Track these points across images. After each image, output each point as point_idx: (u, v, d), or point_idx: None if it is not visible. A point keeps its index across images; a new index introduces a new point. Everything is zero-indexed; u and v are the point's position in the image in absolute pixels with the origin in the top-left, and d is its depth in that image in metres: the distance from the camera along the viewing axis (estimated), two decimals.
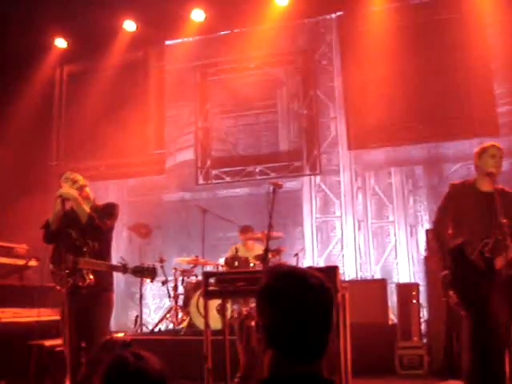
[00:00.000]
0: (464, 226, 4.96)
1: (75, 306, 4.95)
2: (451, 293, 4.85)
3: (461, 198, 5.07)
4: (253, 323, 5.76)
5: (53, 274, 5.32)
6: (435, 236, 5.24)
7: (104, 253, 5.43)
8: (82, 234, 5.27)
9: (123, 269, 5.09)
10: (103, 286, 5.28)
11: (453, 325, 5.87)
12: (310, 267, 6.20)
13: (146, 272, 5.18)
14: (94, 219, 5.26)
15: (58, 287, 5.25)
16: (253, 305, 7.85)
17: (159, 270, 9.24)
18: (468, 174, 8.86)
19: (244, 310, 7.88)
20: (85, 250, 5.21)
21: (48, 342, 6.42)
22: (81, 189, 5.45)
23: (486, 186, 4.99)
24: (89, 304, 5.11)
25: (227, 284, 5.11)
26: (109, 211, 5.52)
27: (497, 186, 4.95)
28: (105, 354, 2.27)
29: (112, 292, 5.43)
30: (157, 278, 9.62)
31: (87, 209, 5.32)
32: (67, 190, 5.27)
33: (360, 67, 10.03)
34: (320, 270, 5.34)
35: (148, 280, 5.31)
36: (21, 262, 7.66)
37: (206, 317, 5.22)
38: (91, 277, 5.10)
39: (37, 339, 6.44)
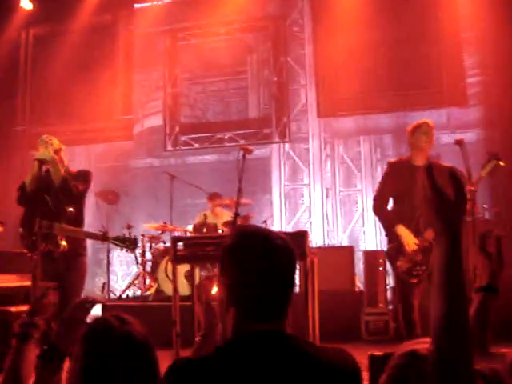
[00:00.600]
0: (403, 201, 5.22)
1: (49, 271, 4.96)
2: (398, 263, 5.15)
3: (398, 174, 5.33)
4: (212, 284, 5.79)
5: (22, 238, 5.28)
6: (375, 213, 5.60)
7: (79, 218, 5.40)
8: (57, 199, 5.22)
9: (103, 237, 5.05)
10: (77, 250, 5.28)
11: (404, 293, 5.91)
12: (279, 232, 6.22)
13: (127, 242, 5.16)
14: (67, 182, 5.22)
15: (27, 252, 5.21)
16: None
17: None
18: (436, 144, 8.89)
19: (212, 276, 7.91)
20: (60, 215, 5.16)
21: (14, 308, 6.34)
22: (56, 152, 5.39)
23: (419, 161, 5.24)
24: (63, 269, 5.14)
25: (196, 249, 5.10)
26: (82, 178, 5.48)
27: (431, 160, 5.25)
28: (80, 313, 2.21)
29: (86, 256, 5.45)
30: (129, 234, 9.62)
31: (62, 172, 5.27)
32: (44, 152, 5.20)
33: (331, 35, 9.97)
34: (289, 234, 5.38)
35: (125, 250, 5.26)
36: None
37: (174, 282, 5.21)
38: (64, 243, 5.06)
39: (3, 305, 6.36)
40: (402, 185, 5.27)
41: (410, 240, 5.12)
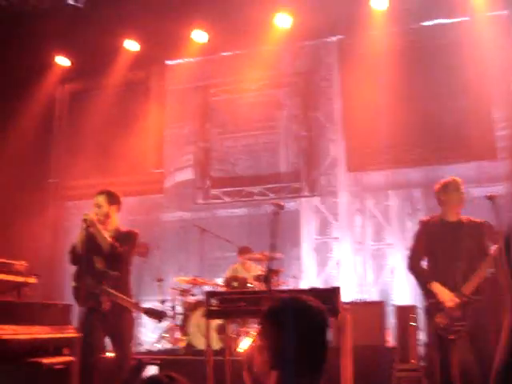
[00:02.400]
0: (438, 257, 5.32)
1: (98, 325, 5.34)
2: (437, 320, 5.18)
3: (430, 232, 5.44)
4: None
5: (73, 291, 5.59)
6: (410, 272, 5.63)
7: (123, 281, 5.63)
8: (104, 262, 5.42)
9: (136, 307, 5.29)
10: (125, 305, 5.43)
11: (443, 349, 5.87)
12: (311, 288, 6.22)
13: (156, 315, 5.38)
14: (115, 248, 5.42)
15: (78, 303, 5.44)
16: (251, 325, 7.87)
17: (157, 289, 9.32)
18: (466, 197, 8.89)
19: (242, 331, 7.90)
20: (106, 277, 5.37)
21: (46, 360, 6.37)
22: (105, 214, 5.68)
23: (452, 217, 5.39)
24: (112, 323, 5.40)
25: (229, 304, 5.12)
26: (130, 239, 5.67)
27: (463, 216, 5.40)
28: (135, 376, 2.32)
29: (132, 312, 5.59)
30: (155, 297, 9.67)
31: (108, 237, 5.50)
32: (89, 216, 5.47)
33: (359, 90, 10.10)
34: (321, 291, 5.38)
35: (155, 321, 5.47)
36: (20, 279, 7.61)
37: (207, 337, 5.23)
38: (108, 303, 5.26)
39: (35, 357, 6.40)
40: (435, 242, 5.36)
41: (446, 296, 5.15)
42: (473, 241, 5.24)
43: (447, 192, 5.44)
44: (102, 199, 5.72)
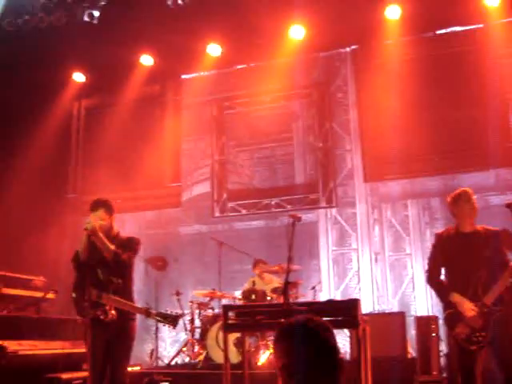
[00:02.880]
0: (455, 268, 5.32)
1: (100, 336, 5.16)
2: (457, 330, 5.14)
3: (446, 244, 5.43)
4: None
5: (75, 303, 5.40)
6: (429, 285, 5.66)
7: (127, 289, 5.54)
8: (107, 270, 5.36)
9: (146, 313, 5.18)
10: (126, 316, 5.36)
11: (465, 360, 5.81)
12: (329, 300, 6.17)
13: (168, 319, 5.25)
14: (119, 255, 5.36)
15: (79, 317, 5.34)
16: (270, 339, 7.82)
17: (175, 303, 9.31)
18: (485, 205, 8.83)
19: (261, 344, 7.86)
20: (109, 285, 5.31)
21: (65, 375, 6.39)
22: (109, 226, 5.59)
23: (467, 228, 5.36)
24: (113, 334, 5.27)
25: (247, 317, 5.09)
26: (132, 245, 5.61)
27: (478, 226, 5.37)
28: None
29: (135, 321, 5.52)
30: (173, 310, 9.65)
31: (110, 244, 5.39)
32: (91, 224, 5.34)
33: (375, 100, 10.09)
34: (340, 303, 5.34)
35: (167, 326, 5.32)
36: (38, 295, 7.67)
37: (225, 350, 5.19)
38: (113, 312, 5.18)
39: (54, 372, 6.42)
40: (452, 254, 5.36)
41: (466, 306, 5.12)
42: (491, 250, 5.19)
43: (458, 204, 5.41)
44: (102, 213, 5.56)
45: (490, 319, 5.06)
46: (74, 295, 5.45)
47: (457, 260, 5.30)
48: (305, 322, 2.21)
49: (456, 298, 5.19)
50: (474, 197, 5.43)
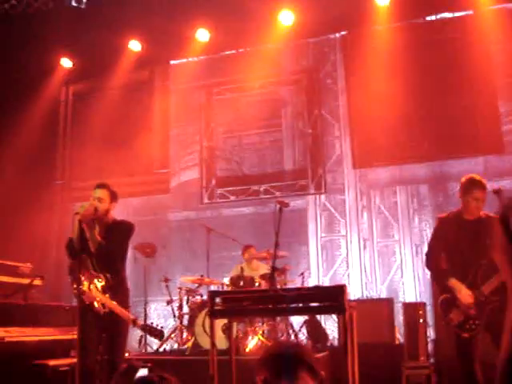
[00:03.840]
0: (455, 254, 5.28)
1: (93, 323, 5.23)
2: (451, 316, 5.21)
3: (448, 229, 5.40)
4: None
5: (72, 284, 5.39)
6: (428, 268, 5.69)
7: (120, 284, 5.49)
8: (99, 263, 5.32)
9: (133, 322, 5.14)
10: (121, 304, 5.31)
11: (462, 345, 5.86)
12: (316, 286, 6.18)
13: (154, 332, 5.25)
14: (102, 247, 5.30)
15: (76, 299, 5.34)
16: (258, 324, 7.83)
17: (164, 289, 9.30)
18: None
19: (249, 331, 7.86)
20: (100, 281, 5.27)
21: (52, 362, 6.38)
22: (105, 210, 5.51)
23: (470, 216, 5.31)
24: (107, 321, 5.25)
25: (234, 303, 5.08)
26: (123, 232, 5.55)
27: (482, 212, 5.27)
28: (125, 380, 2.28)
29: (128, 309, 5.47)
30: (161, 297, 9.65)
31: (97, 235, 5.35)
32: (83, 207, 5.29)
33: (364, 86, 10.06)
34: (327, 288, 5.33)
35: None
36: (25, 281, 7.62)
37: (212, 337, 5.18)
38: (101, 305, 5.17)
39: (42, 359, 6.40)
40: (452, 239, 5.34)
41: (464, 292, 5.14)
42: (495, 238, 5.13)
43: (466, 197, 5.29)
44: (105, 193, 5.49)
45: (486, 308, 5.07)
46: (70, 278, 5.42)
47: (458, 246, 5.27)
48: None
49: (454, 283, 5.18)
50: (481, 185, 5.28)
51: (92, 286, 5.27)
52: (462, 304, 5.13)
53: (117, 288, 5.42)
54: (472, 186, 5.25)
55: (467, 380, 5.01)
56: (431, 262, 5.50)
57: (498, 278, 4.98)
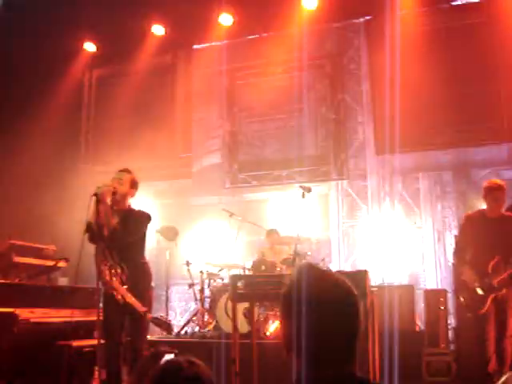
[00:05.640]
0: (477, 248, 5.94)
1: (115, 307, 5.27)
2: (461, 298, 6.05)
3: (473, 225, 6.11)
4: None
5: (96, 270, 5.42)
6: (454, 259, 6.54)
7: (137, 273, 5.47)
8: (117, 251, 5.33)
9: (143, 314, 5.16)
10: (140, 286, 5.35)
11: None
12: (338, 271, 6.18)
13: (162, 326, 5.30)
14: (115, 234, 5.29)
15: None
16: (278, 309, 7.86)
17: (186, 273, 9.37)
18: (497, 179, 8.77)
19: (270, 315, 7.91)
20: (118, 272, 5.29)
21: (76, 343, 6.46)
22: (124, 193, 5.52)
23: (494, 214, 5.99)
24: (129, 307, 5.29)
25: (255, 287, 5.11)
26: (140, 221, 5.54)
27: (505, 212, 6.09)
28: (152, 364, 2.29)
29: (149, 291, 5.50)
30: (183, 281, 9.72)
31: (112, 221, 5.33)
32: (102, 188, 5.26)
33: (388, 71, 9.97)
34: (349, 273, 5.35)
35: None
36: (50, 263, 7.71)
37: (234, 320, 5.23)
38: (122, 297, 5.21)
39: (65, 340, 6.49)
40: (476, 234, 6.00)
41: (472, 280, 5.87)
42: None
43: (488, 198, 5.99)
44: (127, 177, 5.50)
45: (489, 296, 5.77)
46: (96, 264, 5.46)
47: (478, 240, 5.92)
48: (317, 277, 1.87)
49: (465, 271, 5.94)
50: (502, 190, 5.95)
51: (113, 276, 5.29)
52: (469, 289, 5.87)
53: (136, 278, 5.41)
54: (491, 189, 5.96)
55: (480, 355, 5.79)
56: (456, 254, 6.27)
57: (508, 271, 5.71)
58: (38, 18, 9.86)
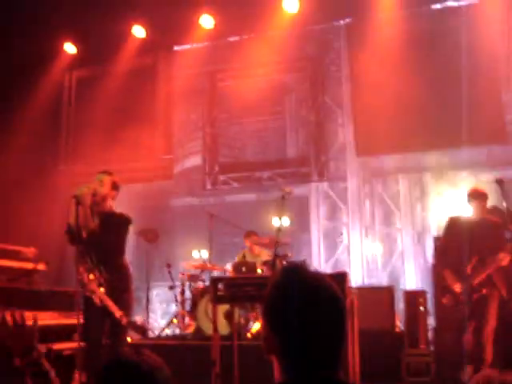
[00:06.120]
0: (458, 251, 6.13)
1: (95, 309, 5.24)
2: (444, 300, 6.28)
3: (456, 227, 6.35)
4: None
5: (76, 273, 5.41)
6: (437, 264, 6.99)
7: (116, 276, 5.43)
8: (96, 253, 5.30)
9: (120, 317, 5.15)
10: (120, 287, 5.33)
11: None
12: (323, 274, 6.21)
13: (139, 329, 5.31)
14: (94, 236, 5.27)
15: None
16: (259, 309, 7.88)
17: (166, 275, 9.36)
18: (475, 181, 8.87)
19: (251, 316, 7.92)
20: (96, 275, 5.27)
21: (56, 346, 6.42)
22: (104, 195, 5.49)
23: (476, 217, 6.27)
24: (108, 310, 5.24)
25: (236, 289, 5.13)
26: (120, 224, 5.52)
27: (486, 216, 6.29)
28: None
29: (128, 293, 5.48)
30: (164, 283, 9.71)
31: (93, 221, 5.31)
32: (81, 190, 5.25)
33: (368, 74, 10.03)
34: (329, 275, 5.37)
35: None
36: (29, 266, 7.65)
37: (214, 322, 5.23)
38: (98, 301, 5.19)
39: (46, 343, 6.44)
40: (458, 237, 6.19)
41: (453, 282, 6.10)
42: (490, 238, 6.06)
43: (470, 204, 6.30)
44: (107, 179, 5.48)
45: (472, 296, 6.01)
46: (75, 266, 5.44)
47: (462, 244, 6.10)
48: (303, 280, 1.81)
49: (447, 274, 6.19)
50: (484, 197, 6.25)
51: (91, 279, 5.27)
52: (453, 291, 6.09)
53: (114, 281, 5.38)
54: (474, 196, 6.25)
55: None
56: (438, 256, 6.74)
57: (485, 271, 5.96)
58: (14, 19, 9.79)
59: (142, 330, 5.34)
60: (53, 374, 2.16)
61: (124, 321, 5.16)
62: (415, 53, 9.74)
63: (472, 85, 9.53)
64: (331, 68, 10.65)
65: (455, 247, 6.20)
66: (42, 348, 5.79)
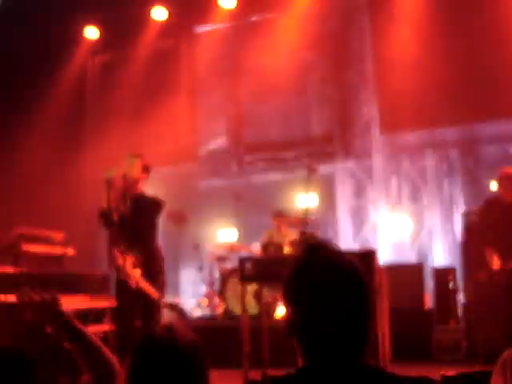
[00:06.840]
0: (496, 232, 6.35)
1: (128, 292, 5.29)
2: (479, 275, 6.51)
3: (491, 209, 6.56)
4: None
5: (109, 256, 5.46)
6: (478, 240, 6.80)
7: (149, 258, 5.47)
8: (128, 237, 5.32)
9: (158, 298, 5.20)
10: (152, 269, 5.37)
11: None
12: (347, 251, 6.19)
13: (176, 311, 5.36)
14: (125, 219, 5.29)
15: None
16: None
17: (194, 257, 9.41)
18: (504, 155, 8.76)
19: (279, 296, 7.93)
20: (130, 258, 5.30)
21: (89, 329, 6.50)
22: (135, 178, 5.52)
23: (508, 198, 6.39)
24: (142, 291, 5.31)
25: (263, 269, 5.14)
26: (152, 207, 5.54)
27: None
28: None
29: (162, 275, 5.52)
30: (192, 264, 9.76)
31: (123, 205, 5.33)
32: (111, 173, 5.27)
33: (392, 49, 9.89)
34: (357, 253, 5.35)
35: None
36: (59, 251, 7.74)
37: (243, 302, 5.25)
38: (133, 283, 5.23)
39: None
40: (494, 219, 6.41)
41: (493, 259, 6.25)
42: None
43: (500, 188, 6.47)
44: (137, 161, 5.53)
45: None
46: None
47: (499, 225, 6.31)
48: (321, 261, 1.77)
49: (487, 251, 6.31)
50: None
51: (126, 261, 5.31)
52: (490, 267, 6.24)
53: (148, 263, 5.44)
54: (504, 178, 6.39)
55: None
56: (478, 236, 6.72)
57: None
58: (38, 5, 9.82)
59: (179, 310, 5.40)
60: (88, 331, 2.17)
61: (163, 302, 5.23)
62: (440, 25, 9.53)
63: (501, 56, 9.31)
64: (354, 44, 10.52)
65: (494, 229, 6.39)
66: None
